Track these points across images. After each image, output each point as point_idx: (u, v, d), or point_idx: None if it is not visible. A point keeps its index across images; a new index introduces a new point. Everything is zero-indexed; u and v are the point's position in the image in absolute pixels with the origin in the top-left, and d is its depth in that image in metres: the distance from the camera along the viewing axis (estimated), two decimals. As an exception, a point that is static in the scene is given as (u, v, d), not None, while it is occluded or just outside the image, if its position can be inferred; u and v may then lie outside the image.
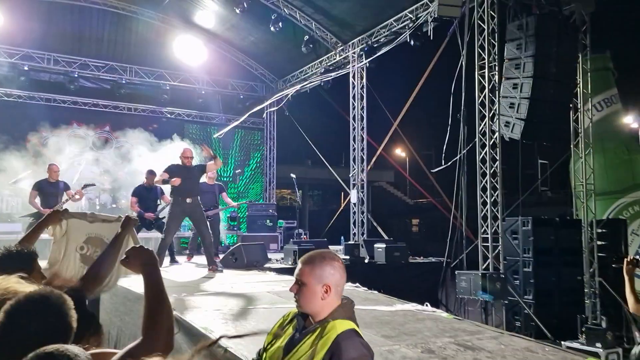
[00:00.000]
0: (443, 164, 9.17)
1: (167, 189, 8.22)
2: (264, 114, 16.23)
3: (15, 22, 11.86)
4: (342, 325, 1.95)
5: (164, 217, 8.21)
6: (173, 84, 14.26)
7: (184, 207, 7.49)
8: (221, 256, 8.51)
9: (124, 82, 13.52)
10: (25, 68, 12.46)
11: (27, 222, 8.48)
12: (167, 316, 1.70)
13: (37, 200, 8.51)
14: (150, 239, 9.48)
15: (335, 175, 14.50)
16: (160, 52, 13.87)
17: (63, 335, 1.52)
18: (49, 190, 8.52)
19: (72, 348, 1.40)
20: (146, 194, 8.89)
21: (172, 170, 7.58)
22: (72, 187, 9.10)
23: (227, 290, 5.94)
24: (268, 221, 12.98)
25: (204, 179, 8.65)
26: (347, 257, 9.24)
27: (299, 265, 2.03)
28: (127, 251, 1.87)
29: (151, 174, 8.84)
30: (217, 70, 14.81)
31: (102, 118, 14.10)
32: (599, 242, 9.19)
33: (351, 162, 12.64)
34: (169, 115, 14.85)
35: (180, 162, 7.73)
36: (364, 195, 12.43)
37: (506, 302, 8.06)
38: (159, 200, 9.03)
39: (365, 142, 12.50)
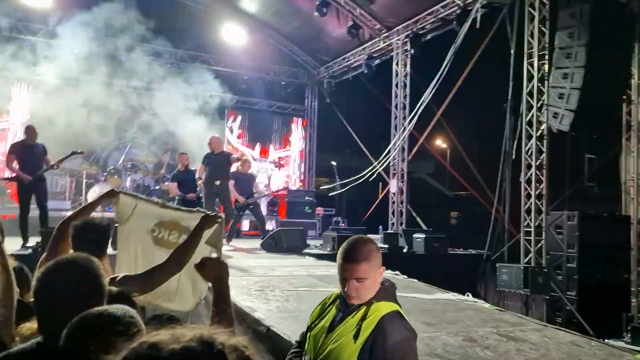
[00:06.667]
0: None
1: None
2: (305, 102, 16.28)
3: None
4: (386, 307, 1.94)
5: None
6: (216, 69, 14.39)
7: (213, 189, 8.36)
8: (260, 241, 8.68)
9: (169, 66, 13.74)
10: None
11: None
12: (228, 316, 1.81)
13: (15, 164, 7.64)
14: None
15: (375, 164, 14.39)
16: (205, 37, 14.03)
17: (95, 295, 1.62)
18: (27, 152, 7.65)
19: (117, 308, 1.49)
20: (184, 177, 9.15)
21: (206, 157, 8.58)
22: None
23: (268, 272, 6.03)
24: (307, 208, 13.05)
25: (233, 168, 9.19)
26: (386, 246, 9.20)
27: (354, 265, 1.92)
28: (204, 258, 1.99)
29: (182, 154, 9.40)
30: (260, 56, 14.87)
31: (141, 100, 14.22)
32: (648, 240, 8.84)
33: (391, 151, 12.51)
34: (209, 100, 14.98)
35: (208, 150, 8.65)
36: (403, 185, 12.32)
37: (547, 297, 7.89)
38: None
39: (407, 131, 12.34)
